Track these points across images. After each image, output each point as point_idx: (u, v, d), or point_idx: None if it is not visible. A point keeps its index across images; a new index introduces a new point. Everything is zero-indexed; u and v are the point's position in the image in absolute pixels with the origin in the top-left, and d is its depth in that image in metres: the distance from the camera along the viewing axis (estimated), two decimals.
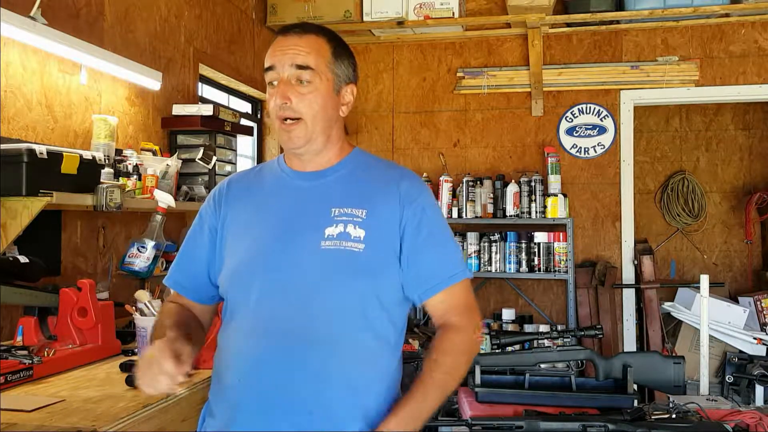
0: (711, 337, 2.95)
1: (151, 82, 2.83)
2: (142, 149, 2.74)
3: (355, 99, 1.41)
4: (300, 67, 1.30)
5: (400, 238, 1.31)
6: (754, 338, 3.89)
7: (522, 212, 4.12)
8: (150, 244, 2.41)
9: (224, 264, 1.37)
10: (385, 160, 1.47)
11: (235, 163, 3.30)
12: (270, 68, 1.32)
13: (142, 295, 2.14)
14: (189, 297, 1.44)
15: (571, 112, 4.35)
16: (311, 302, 1.25)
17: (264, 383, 1.24)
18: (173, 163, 2.72)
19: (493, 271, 4.15)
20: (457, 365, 1.29)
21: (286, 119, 1.31)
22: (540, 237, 4.08)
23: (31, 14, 2.17)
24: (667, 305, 4.24)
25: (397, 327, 1.34)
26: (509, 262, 4.11)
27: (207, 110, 3.02)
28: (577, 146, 4.34)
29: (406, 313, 1.37)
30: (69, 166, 2.01)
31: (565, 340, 2.12)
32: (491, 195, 4.20)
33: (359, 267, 1.26)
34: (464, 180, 4.21)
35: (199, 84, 3.50)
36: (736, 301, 4.25)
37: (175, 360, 1.10)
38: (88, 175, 2.10)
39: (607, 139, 4.31)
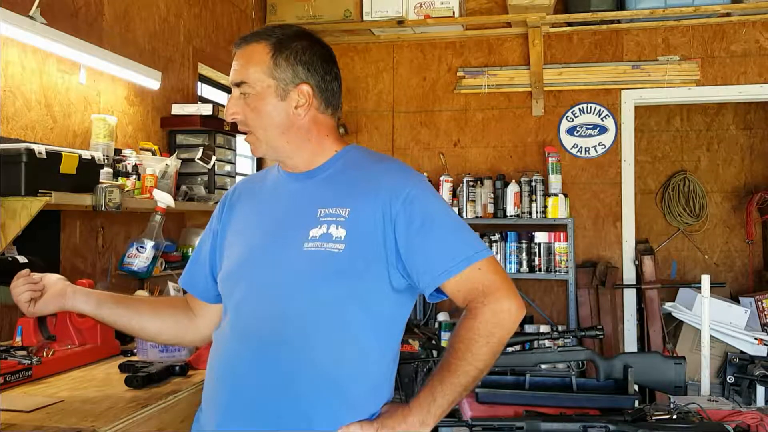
0: (712, 338, 2.95)
1: (151, 81, 2.82)
2: (141, 149, 2.73)
3: (313, 97, 1.31)
4: (236, 84, 1.31)
5: (393, 235, 1.24)
6: (755, 339, 3.88)
7: (522, 212, 4.11)
8: (149, 244, 2.40)
9: (222, 266, 1.39)
10: (379, 155, 1.40)
11: (234, 163, 3.29)
12: None
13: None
14: (198, 297, 1.48)
15: (572, 112, 4.34)
16: (285, 305, 1.24)
17: (236, 384, 1.25)
18: (172, 162, 2.71)
19: None
20: (473, 351, 1.21)
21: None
22: (540, 237, 4.07)
23: (30, 14, 2.16)
24: (668, 305, 4.23)
25: (385, 327, 1.28)
26: (510, 263, 4.09)
27: (206, 110, 3.02)
28: (577, 146, 4.33)
29: (402, 312, 1.31)
30: (68, 166, 2.01)
31: (566, 340, 2.11)
32: (491, 195, 4.18)
33: (338, 268, 1.22)
34: (464, 180, 4.20)
35: (199, 83, 3.50)
36: (737, 302, 4.24)
37: (35, 284, 1.39)
38: (87, 174, 2.10)
39: (608, 138, 4.30)
